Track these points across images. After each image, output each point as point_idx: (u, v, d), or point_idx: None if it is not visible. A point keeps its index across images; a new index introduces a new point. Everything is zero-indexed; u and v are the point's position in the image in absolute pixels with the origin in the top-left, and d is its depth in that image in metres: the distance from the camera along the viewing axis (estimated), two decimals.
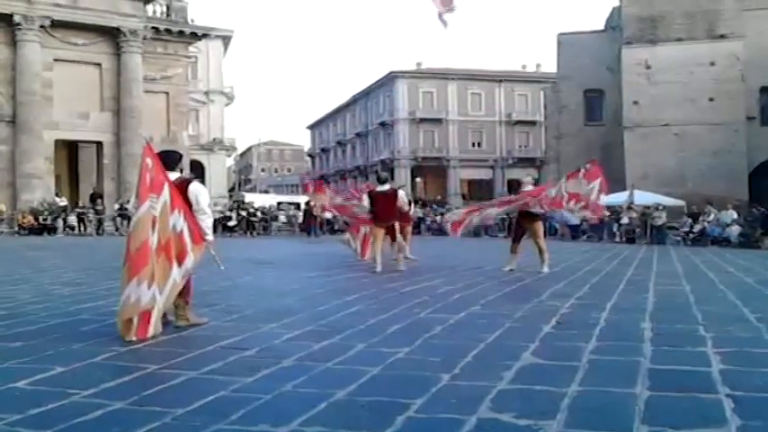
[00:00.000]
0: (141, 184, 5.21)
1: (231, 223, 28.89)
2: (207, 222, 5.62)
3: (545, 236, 11.76)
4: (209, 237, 5.64)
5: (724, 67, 31.55)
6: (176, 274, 5.30)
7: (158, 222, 5.17)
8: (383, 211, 10.96)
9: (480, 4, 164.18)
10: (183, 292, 5.50)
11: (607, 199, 29.54)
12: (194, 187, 5.63)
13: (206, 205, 5.64)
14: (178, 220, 5.31)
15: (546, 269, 10.52)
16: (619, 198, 27.44)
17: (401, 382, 3.80)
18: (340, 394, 3.52)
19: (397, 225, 11.25)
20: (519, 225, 11.11)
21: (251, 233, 28.90)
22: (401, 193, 11.80)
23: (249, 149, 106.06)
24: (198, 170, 41.19)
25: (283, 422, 3.06)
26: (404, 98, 58.94)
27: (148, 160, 5.23)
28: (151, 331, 5.03)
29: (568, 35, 38.60)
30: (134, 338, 4.90)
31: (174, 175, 5.56)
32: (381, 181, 11.61)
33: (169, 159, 5.65)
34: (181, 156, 6.08)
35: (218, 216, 26.81)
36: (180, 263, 5.32)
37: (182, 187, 5.52)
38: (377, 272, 10.33)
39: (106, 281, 8.98)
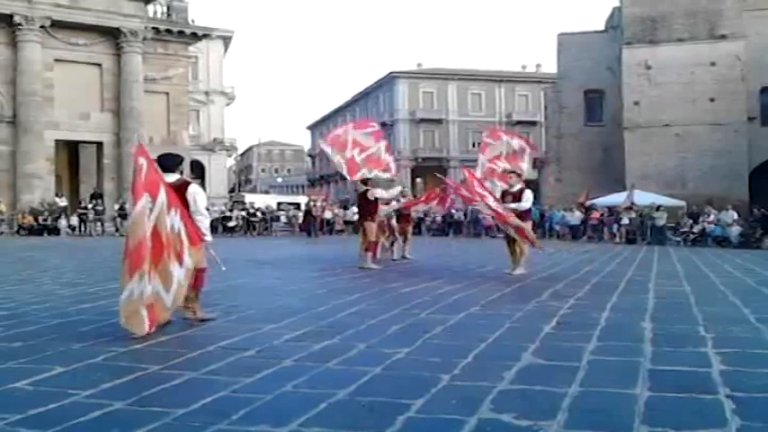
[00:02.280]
0: (136, 182, 5.25)
1: (231, 224, 28.90)
2: (204, 223, 5.78)
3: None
4: (208, 237, 5.75)
5: (725, 68, 31.53)
6: (179, 274, 5.37)
7: (159, 222, 5.23)
8: (360, 209, 11.98)
9: (480, 4, 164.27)
10: (197, 285, 5.68)
11: (606, 199, 29.64)
12: (193, 189, 5.74)
13: (203, 207, 5.78)
14: (174, 220, 5.38)
15: (520, 271, 10.13)
16: (617, 198, 27.46)
17: (401, 382, 3.80)
18: (340, 394, 3.52)
19: (369, 225, 11.54)
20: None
21: (251, 233, 28.91)
22: (372, 190, 11.89)
23: (249, 150, 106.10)
24: (198, 170, 41.20)
25: (283, 422, 3.06)
26: (404, 98, 58.90)
27: (142, 160, 5.25)
28: (153, 327, 5.10)
29: (569, 35, 38.56)
30: (148, 331, 4.97)
31: (173, 177, 5.65)
32: (363, 183, 11.92)
33: (169, 162, 5.77)
34: (182, 158, 6.15)
35: (216, 216, 26.84)
36: (180, 262, 5.39)
37: (181, 189, 5.61)
38: (362, 267, 11.10)
39: (106, 281, 8.97)
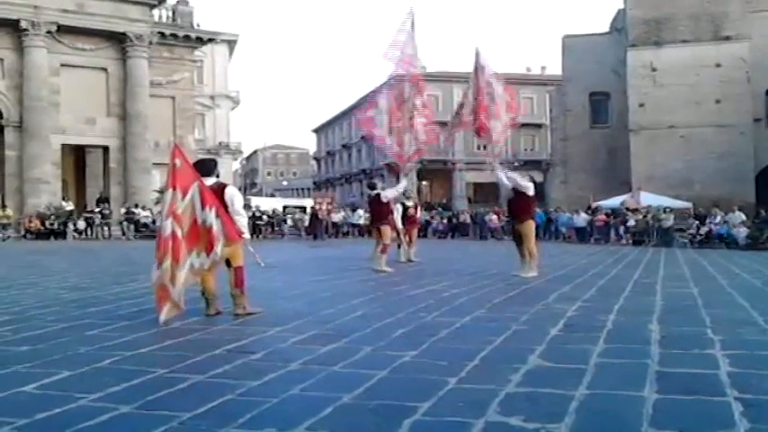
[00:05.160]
0: (168, 179, 6.08)
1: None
2: (242, 222, 6.32)
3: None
4: (246, 234, 6.34)
5: (730, 69, 31.45)
6: (195, 261, 5.93)
7: (183, 215, 5.87)
8: (373, 213, 11.99)
9: (484, 6, 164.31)
10: (238, 283, 6.26)
11: (609, 202, 29.64)
12: (230, 191, 6.35)
13: (240, 207, 6.36)
14: (209, 216, 5.91)
15: (531, 273, 10.09)
16: (617, 201, 27.43)
17: (408, 385, 3.79)
18: (346, 398, 3.51)
19: (386, 228, 11.68)
20: (514, 228, 10.84)
21: (257, 237, 28.91)
22: (383, 193, 12.05)
23: (255, 153, 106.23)
24: None
25: (290, 426, 3.06)
26: None
27: (177, 160, 5.95)
28: (163, 317, 5.71)
29: (573, 38, 38.53)
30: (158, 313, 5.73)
31: (211, 180, 6.25)
32: (370, 187, 12.03)
33: (206, 167, 6.40)
34: (216, 163, 6.83)
35: None
36: (208, 253, 5.94)
37: (219, 191, 6.19)
38: (376, 270, 11.16)
39: (112, 285, 9.00)
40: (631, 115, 32.97)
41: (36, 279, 10.19)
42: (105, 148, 30.56)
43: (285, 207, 36.55)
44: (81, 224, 27.22)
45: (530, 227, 10.48)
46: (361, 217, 29.22)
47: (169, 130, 32.01)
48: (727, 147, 31.03)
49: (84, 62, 29.51)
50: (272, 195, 73.35)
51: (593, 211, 26.95)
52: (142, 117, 30.03)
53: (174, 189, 5.89)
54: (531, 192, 10.47)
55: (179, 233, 5.82)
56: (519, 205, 10.47)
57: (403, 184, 12.56)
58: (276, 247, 21.59)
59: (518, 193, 10.43)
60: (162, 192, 6.38)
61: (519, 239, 10.57)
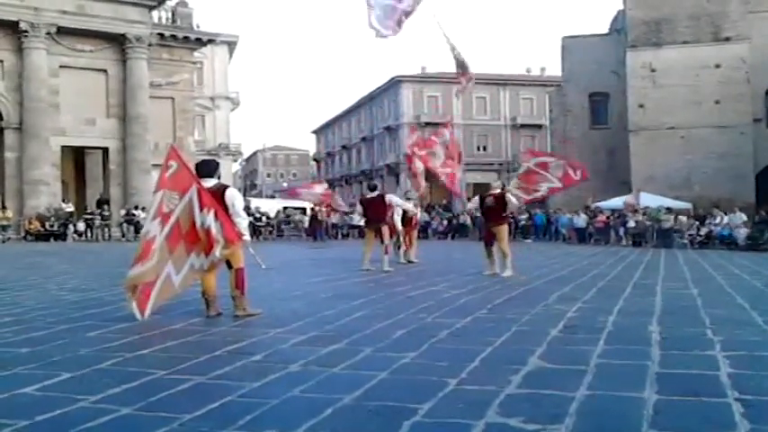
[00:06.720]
0: (158, 179, 6.13)
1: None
2: (243, 224, 6.29)
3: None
4: (246, 236, 6.35)
5: (729, 70, 31.44)
6: (201, 262, 6.00)
7: (181, 215, 5.93)
8: (372, 214, 12.09)
9: (484, 7, 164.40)
10: (239, 284, 6.25)
11: (609, 203, 29.69)
12: (230, 193, 6.32)
13: (241, 209, 6.34)
14: (206, 219, 5.90)
15: (508, 273, 10.42)
16: (618, 202, 27.43)
17: (408, 386, 3.79)
18: (347, 399, 3.51)
19: (385, 228, 12.00)
20: (488, 229, 11.10)
21: (257, 238, 28.89)
22: (388, 196, 12.67)
23: (255, 154, 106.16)
24: None
25: (290, 427, 3.06)
26: (408, 102, 58.90)
27: (172, 162, 5.99)
28: (148, 311, 5.91)
29: (573, 38, 38.51)
30: (135, 309, 5.87)
31: (211, 182, 6.27)
32: (371, 188, 12.57)
33: (207, 168, 6.43)
34: (218, 164, 6.85)
35: None
36: (207, 254, 5.97)
37: (219, 193, 6.18)
38: (367, 269, 11.40)
39: (112, 287, 8.99)
40: (631, 116, 32.96)
41: (36, 280, 10.19)
42: (105, 150, 30.56)
43: (285, 208, 36.49)
44: (81, 226, 27.23)
45: (505, 230, 10.97)
46: (362, 219, 29.19)
47: (169, 132, 32.00)
48: (726, 147, 31.02)
49: (84, 64, 29.52)
50: (272, 197, 73.16)
51: (593, 212, 26.95)
52: (142, 118, 30.03)
53: (163, 191, 5.94)
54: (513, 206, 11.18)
55: (159, 238, 5.91)
56: (497, 210, 10.80)
57: (410, 206, 13.52)
58: (276, 248, 21.59)
59: (499, 202, 10.76)
60: None
61: (490, 241, 10.94)
